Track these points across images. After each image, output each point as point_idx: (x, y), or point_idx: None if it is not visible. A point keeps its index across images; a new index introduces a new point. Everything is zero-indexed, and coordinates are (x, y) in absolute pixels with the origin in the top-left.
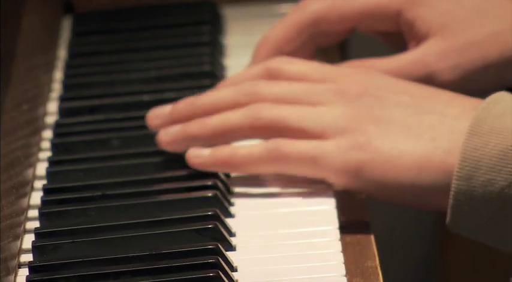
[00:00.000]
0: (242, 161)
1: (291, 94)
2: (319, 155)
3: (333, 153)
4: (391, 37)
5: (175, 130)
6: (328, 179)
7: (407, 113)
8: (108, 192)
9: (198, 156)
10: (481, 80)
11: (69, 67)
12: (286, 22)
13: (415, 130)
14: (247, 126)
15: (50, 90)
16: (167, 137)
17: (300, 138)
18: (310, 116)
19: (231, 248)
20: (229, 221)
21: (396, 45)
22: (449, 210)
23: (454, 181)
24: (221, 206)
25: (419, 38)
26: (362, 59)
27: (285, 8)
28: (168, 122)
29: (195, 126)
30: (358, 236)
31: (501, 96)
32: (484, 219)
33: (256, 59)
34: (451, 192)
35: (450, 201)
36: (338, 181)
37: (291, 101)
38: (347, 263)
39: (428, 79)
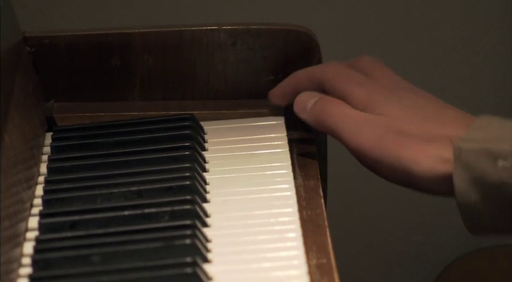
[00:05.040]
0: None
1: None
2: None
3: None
4: None
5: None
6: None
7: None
8: None
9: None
10: (385, 168)
11: (48, 183)
12: (307, 70)
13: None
14: None
15: (31, 206)
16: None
17: None
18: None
19: None
20: None
21: None
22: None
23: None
24: None
25: None
26: None
27: (261, 120)
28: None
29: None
30: None
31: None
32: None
33: (284, 84)
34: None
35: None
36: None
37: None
38: None
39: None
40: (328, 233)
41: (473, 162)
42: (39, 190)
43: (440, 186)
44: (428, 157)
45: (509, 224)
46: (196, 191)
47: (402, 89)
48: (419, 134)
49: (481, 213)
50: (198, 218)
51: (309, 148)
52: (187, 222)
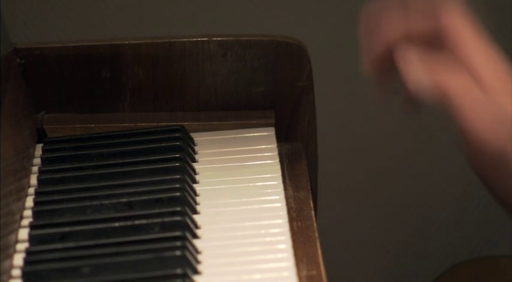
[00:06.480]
0: None
1: None
2: None
3: None
4: None
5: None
6: None
7: None
8: None
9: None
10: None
11: (39, 194)
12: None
13: None
14: None
15: (21, 217)
16: None
17: None
18: None
19: None
20: None
21: None
22: None
23: None
24: None
25: None
26: None
27: (251, 131)
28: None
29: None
30: None
31: None
32: None
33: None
34: None
35: None
36: None
37: None
38: None
39: None
40: (318, 245)
41: None
42: (29, 201)
43: None
44: None
45: None
46: (186, 203)
47: None
48: None
49: None
50: (188, 230)
51: (299, 159)
52: (178, 233)
